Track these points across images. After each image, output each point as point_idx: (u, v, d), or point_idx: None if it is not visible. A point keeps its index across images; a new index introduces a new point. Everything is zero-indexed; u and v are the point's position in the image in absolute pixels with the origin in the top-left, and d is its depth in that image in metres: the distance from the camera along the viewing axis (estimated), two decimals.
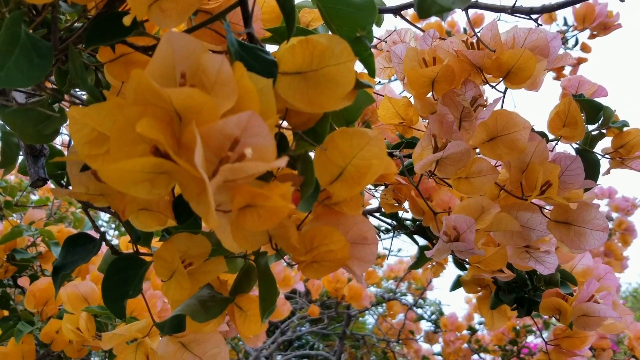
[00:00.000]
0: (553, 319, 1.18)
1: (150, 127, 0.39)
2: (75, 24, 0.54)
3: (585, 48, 2.07)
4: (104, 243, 0.64)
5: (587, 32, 2.03)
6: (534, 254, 0.81)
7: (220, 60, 0.40)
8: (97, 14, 0.49)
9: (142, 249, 0.64)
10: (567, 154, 0.72)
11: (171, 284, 0.56)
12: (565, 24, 2.08)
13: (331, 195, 0.54)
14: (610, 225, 2.90)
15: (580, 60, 2.05)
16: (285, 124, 0.54)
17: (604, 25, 1.94)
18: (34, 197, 2.20)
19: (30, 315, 1.21)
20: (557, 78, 2.04)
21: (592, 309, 0.90)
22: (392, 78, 1.75)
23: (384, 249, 3.98)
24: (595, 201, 2.57)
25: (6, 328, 1.21)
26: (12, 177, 2.13)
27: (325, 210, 0.55)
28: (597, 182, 0.78)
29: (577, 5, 1.96)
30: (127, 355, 0.64)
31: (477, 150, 0.72)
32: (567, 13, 2.06)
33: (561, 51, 2.01)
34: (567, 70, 2.06)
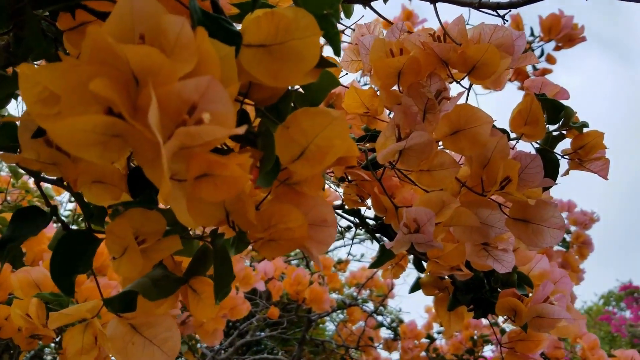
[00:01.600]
0: (511, 328, 1.19)
1: (105, 86, 0.37)
2: None
3: (550, 59, 2.12)
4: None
5: (553, 44, 2.08)
6: (492, 252, 0.82)
7: (181, 23, 0.39)
8: None
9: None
10: (527, 152, 0.73)
11: (123, 261, 0.54)
12: (532, 34, 2.13)
13: (292, 174, 0.53)
14: (568, 238, 2.96)
15: (545, 71, 2.10)
16: (247, 101, 0.53)
17: (569, 37, 2.00)
18: None
19: None
20: (521, 88, 2.09)
21: (546, 310, 0.91)
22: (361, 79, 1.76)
23: (347, 254, 3.97)
24: None
25: None
26: None
27: (285, 189, 0.54)
28: (556, 182, 0.79)
29: (544, 16, 2.01)
30: (75, 335, 0.62)
31: (440, 144, 0.72)
32: (534, 24, 2.12)
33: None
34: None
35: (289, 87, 0.51)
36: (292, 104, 0.56)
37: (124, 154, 0.42)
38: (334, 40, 0.51)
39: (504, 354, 1.13)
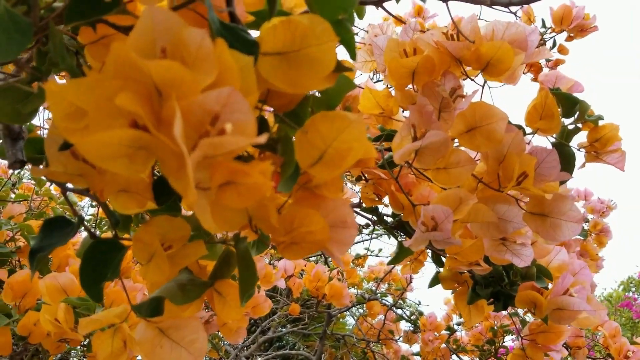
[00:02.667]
0: (531, 318, 1.19)
1: (130, 100, 0.39)
2: (56, 3, 0.54)
3: (562, 50, 2.10)
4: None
5: (565, 35, 2.06)
6: (510, 246, 0.83)
7: (201, 35, 0.40)
8: None
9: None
10: (543, 147, 0.73)
11: (150, 267, 0.56)
12: (544, 25, 2.11)
13: (312, 178, 0.55)
14: (586, 226, 2.94)
15: (558, 62, 2.09)
16: (267, 108, 0.54)
17: (580, 27, 1.98)
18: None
19: (8, 308, 1.19)
20: (534, 79, 2.07)
21: (566, 303, 0.91)
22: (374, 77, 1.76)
23: (365, 249, 3.98)
24: None
25: None
26: None
27: (305, 193, 0.55)
28: (573, 175, 0.79)
29: (555, 7, 2.00)
30: (104, 340, 0.64)
31: (456, 141, 0.73)
32: (545, 15, 2.10)
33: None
34: (545, 71, 2.08)
35: (307, 93, 0.52)
36: (309, 109, 0.57)
37: (149, 165, 0.43)
38: (349, 45, 0.51)
39: (525, 346, 1.13)
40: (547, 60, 2.11)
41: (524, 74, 2.05)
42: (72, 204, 1.85)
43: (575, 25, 1.99)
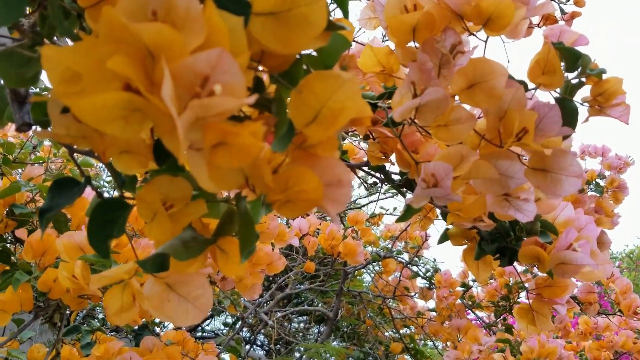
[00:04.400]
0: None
1: (122, 63, 0.40)
2: None
3: (578, 2, 2.05)
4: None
5: None
6: (513, 202, 0.83)
7: None
8: None
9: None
10: (545, 102, 0.73)
11: (153, 225, 0.58)
12: None
13: (307, 138, 0.55)
14: (603, 183, 2.92)
15: (574, 15, 2.03)
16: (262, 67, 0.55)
17: None
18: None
19: (28, 265, 1.24)
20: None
21: (569, 257, 0.92)
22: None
23: (380, 208, 4.00)
24: (588, 158, 2.58)
25: (5, 279, 1.24)
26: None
27: (301, 153, 0.57)
28: (575, 130, 0.79)
29: None
30: (114, 295, 0.67)
31: (457, 98, 0.73)
32: None
33: (555, 5, 1.98)
34: (560, 24, 2.04)
35: (300, 53, 0.53)
36: (306, 68, 0.58)
37: (145, 126, 0.45)
38: (342, 3, 0.52)
39: (531, 300, 1.15)
40: (563, 13, 2.06)
41: (538, 27, 2.00)
42: (89, 165, 1.88)
43: None
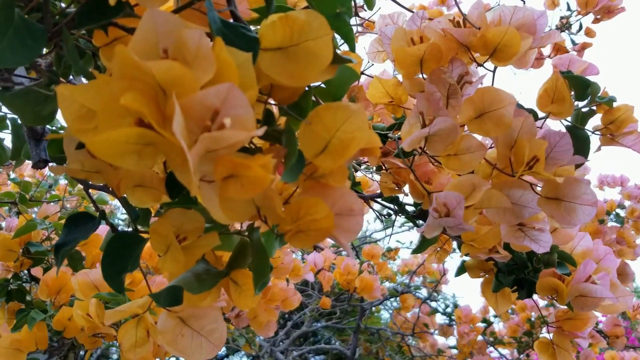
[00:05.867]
0: None
1: (134, 100, 0.41)
2: (70, 9, 0.57)
3: (589, 33, 2.06)
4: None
5: (592, 17, 2.02)
6: (528, 232, 0.83)
7: (199, 35, 0.42)
8: None
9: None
10: (556, 131, 0.73)
11: (167, 258, 0.58)
12: (569, 9, 2.07)
13: (317, 168, 0.56)
14: (623, 213, 2.88)
15: (585, 46, 2.04)
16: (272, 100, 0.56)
17: (607, 9, 1.93)
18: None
19: (43, 304, 1.25)
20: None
21: (588, 290, 0.90)
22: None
23: (397, 241, 3.98)
24: (607, 188, 2.55)
25: (20, 317, 1.25)
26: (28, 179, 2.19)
27: (312, 183, 0.57)
28: (588, 158, 0.78)
29: None
30: (128, 330, 0.67)
31: (466, 128, 0.73)
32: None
33: (565, 36, 2.00)
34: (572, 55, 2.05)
35: (309, 85, 0.54)
36: (315, 100, 0.59)
37: (158, 160, 0.46)
38: (348, 37, 0.53)
39: (552, 333, 1.12)
40: (574, 44, 2.08)
41: (550, 57, 2.02)
42: (104, 203, 1.90)
43: (601, 7, 1.95)
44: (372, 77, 0.80)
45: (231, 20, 0.50)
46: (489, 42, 0.68)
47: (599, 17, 2.01)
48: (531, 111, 0.77)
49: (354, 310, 3.77)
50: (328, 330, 4.20)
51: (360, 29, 1.48)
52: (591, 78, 0.82)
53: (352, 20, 0.94)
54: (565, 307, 1.07)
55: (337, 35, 0.57)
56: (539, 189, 0.77)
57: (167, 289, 0.57)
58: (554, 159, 0.72)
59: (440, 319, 4.24)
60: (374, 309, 4.10)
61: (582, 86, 0.76)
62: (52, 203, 1.92)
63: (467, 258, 1.22)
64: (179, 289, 0.59)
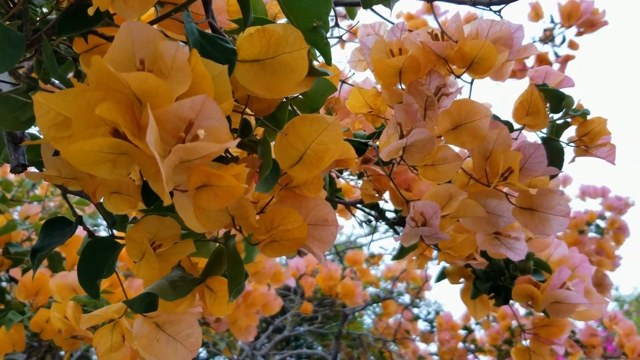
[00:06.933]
0: None
1: (109, 110, 0.41)
2: (51, 16, 0.57)
3: (572, 45, 2.09)
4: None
5: (575, 30, 2.05)
6: (504, 240, 0.84)
7: (175, 47, 0.43)
8: (68, 5, 0.52)
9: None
10: (530, 142, 0.74)
11: (141, 265, 0.59)
12: (552, 21, 2.10)
13: (292, 178, 0.57)
14: (603, 224, 2.92)
15: (568, 58, 2.08)
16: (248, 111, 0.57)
17: (590, 22, 1.97)
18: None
19: (21, 305, 1.24)
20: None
21: (563, 296, 0.92)
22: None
23: (380, 247, 3.99)
24: (588, 199, 2.58)
25: None
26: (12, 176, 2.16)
27: (287, 193, 0.58)
28: (562, 169, 0.80)
29: (563, 2, 1.99)
30: (104, 334, 0.67)
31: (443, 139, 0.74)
32: (554, 10, 2.09)
33: (549, 48, 2.03)
34: (555, 67, 2.10)
35: (286, 97, 0.54)
36: (293, 110, 0.59)
37: (132, 169, 0.46)
38: (324, 51, 0.54)
39: (528, 340, 1.14)
40: (557, 56, 2.11)
41: (533, 68, 2.04)
42: (86, 204, 1.89)
43: (585, 20, 1.98)
44: (353, 86, 0.81)
45: (209, 31, 0.51)
46: (466, 55, 0.69)
47: (582, 30, 2.04)
48: (507, 123, 0.78)
49: (336, 315, 3.78)
50: (310, 335, 4.19)
51: (346, 37, 1.49)
52: (567, 90, 0.84)
53: (337, 30, 0.95)
54: (542, 314, 1.09)
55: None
56: (515, 199, 0.78)
57: (141, 295, 0.58)
58: (529, 170, 0.74)
59: (422, 325, 4.26)
60: (356, 314, 4.10)
61: (556, 99, 0.77)
62: (34, 203, 1.91)
63: (447, 264, 1.23)
64: (153, 296, 0.59)
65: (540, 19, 2.10)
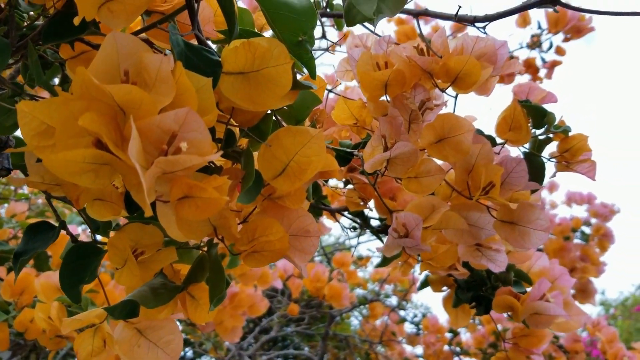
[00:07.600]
0: None
1: (92, 121, 0.42)
2: (37, 22, 0.57)
3: (559, 51, 2.12)
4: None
5: (562, 36, 2.08)
6: (485, 252, 0.85)
7: (159, 59, 0.43)
8: (55, 13, 0.53)
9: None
10: (512, 157, 0.75)
11: (123, 272, 0.59)
12: (539, 27, 2.13)
13: (275, 190, 0.57)
14: (589, 230, 2.95)
15: (555, 63, 2.10)
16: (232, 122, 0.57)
17: (577, 28, 1.99)
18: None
19: (6, 304, 1.23)
20: (534, 79, 2.10)
21: (542, 308, 0.93)
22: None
23: (368, 249, 4.00)
24: (574, 206, 2.60)
25: None
26: None
27: (270, 204, 0.58)
28: (542, 185, 0.81)
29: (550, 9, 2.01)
30: (85, 339, 0.67)
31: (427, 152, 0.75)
32: (541, 17, 2.12)
33: (536, 54, 2.05)
34: (542, 73, 2.12)
35: (268, 110, 0.55)
36: (279, 121, 0.60)
37: (115, 178, 0.46)
38: (308, 65, 0.54)
39: (507, 350, 1.15)
40: (544, 61, 2.13)
41: (521, 74, 2.07)
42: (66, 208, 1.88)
43: (571, 27, 2.00)
44: (340, 96, 0.82)
45: (195, 42, 0.51)
46: (451, 70, 0.70)
47: (569, 36, 2.06)
48: (490, 137, 0.79)
49: (323, 317, 3.78)
50: (297, 336, 4.20)
51: (340, 44, 1.50)
52: (552, 104, 0.85)
53: (323, 42, 0.96)
54: (521, 324, 1.10)
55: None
56: (496, 212, 0.79)
57: (122, 302, 0.58)
58: (510, 184, 0.75)
59: (408, 327, 4.27)
60: (343, 315, 4.11)
61: (539, 115, 0.79)
62: (22, 200, 1.91)
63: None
64: (134, 303, 0.60)
65: (527, 25, 2.12)
